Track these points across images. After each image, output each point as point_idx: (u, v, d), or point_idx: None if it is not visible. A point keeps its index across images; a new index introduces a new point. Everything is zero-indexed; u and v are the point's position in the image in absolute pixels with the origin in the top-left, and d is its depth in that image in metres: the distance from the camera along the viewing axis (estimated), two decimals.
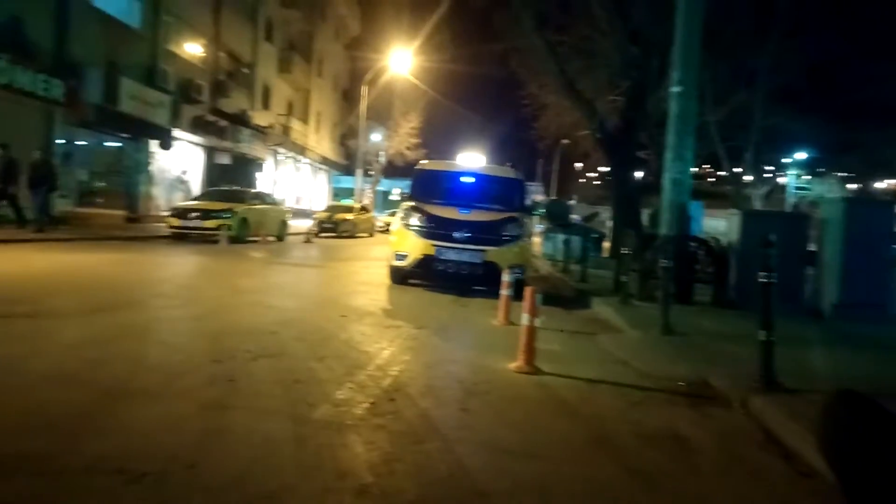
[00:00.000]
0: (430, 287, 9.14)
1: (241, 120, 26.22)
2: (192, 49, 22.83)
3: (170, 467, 2.43)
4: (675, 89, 8.63)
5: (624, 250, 9.03)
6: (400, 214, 9.49)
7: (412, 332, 5.78)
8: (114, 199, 19.26)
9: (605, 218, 23.70)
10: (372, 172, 39.68)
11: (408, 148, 41.18)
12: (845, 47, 23.57)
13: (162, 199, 21.45)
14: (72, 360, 3.85)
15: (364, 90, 32.36)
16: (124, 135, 19.08)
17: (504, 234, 8.79)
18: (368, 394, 3.63)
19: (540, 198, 34.17)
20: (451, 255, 8.61)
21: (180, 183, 23.03)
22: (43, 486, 2.22)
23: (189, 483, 2.33)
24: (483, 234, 8.68)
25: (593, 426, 3.45)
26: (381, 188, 42.59)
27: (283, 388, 3.62)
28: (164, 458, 2.51)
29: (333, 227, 23.61)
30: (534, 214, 10.77)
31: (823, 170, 41.78)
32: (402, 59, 30.80)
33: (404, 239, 8.92)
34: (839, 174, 42.41)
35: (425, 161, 10.95)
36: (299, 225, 22.72)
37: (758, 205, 28.75)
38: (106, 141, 19.12)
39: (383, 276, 9.57)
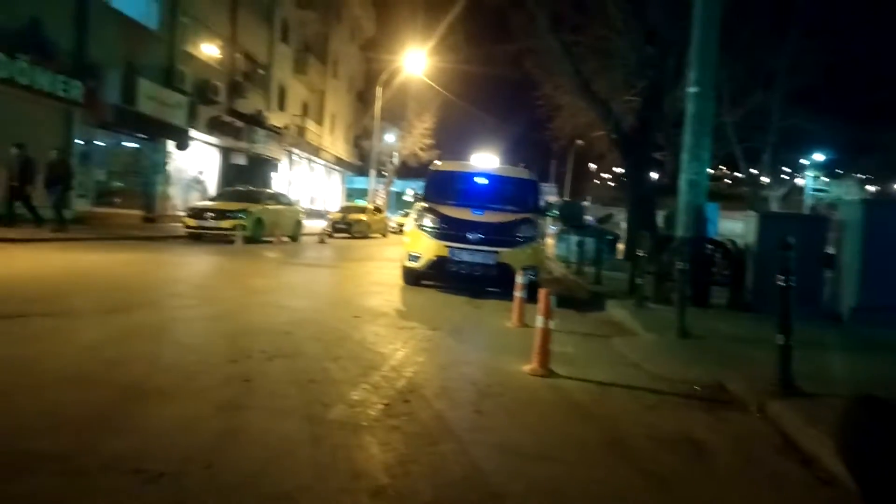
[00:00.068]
0: (443, 288, 9.14)
1: (256, 121, 26.41)
2: (209, 50, 23.05)
3: (186, 467, 2.45)
4: (691, 89, 8.56)
5: (639, 252, 8.97)
6: (413, 215, 9.50)
7: (426, 333, 5.78)
8: (131, 199, 19.50)
9: (620, 219, 23.57)
10: (385, 173, 39.78)
11: (421, 149, 41.26)
12: (864, 47, 23.24)
13: (178, 199, 21.68)
14: (89, 360, 3.90)
15: (378, 91, 32.46)
16: (142, 135, 19.31)
17: (518, 235, 8.77)
18: (383, 395, 3.64)
19: (554, 199, 34.07)
20: (465, 257, 8.60)
21: (196, 183, 23.27)
22: (61, 486, 2.25)
23: (205, 483, 2.35)
24: (496, 235, 8.66)
25: (608, 429, 3.43)
26: (394, 189, 42.70)
27: (298, 389, 3.64)
28: (181, 458, 2.53)
29: (347, 227, 23.72)
30: (547, 216, 10.74)
31: (842, 171, 41.27)
32: (416, 60, 30.86)
33: (418, 240, 8.93)
34: (858, 176, 41.87)
35: (439, 162, 10.97)
36: (313, 225, 22.84)
37: (775, 207, 28.45)
38: (124, 141, 19.36)
39: (396, 277, 9.59)
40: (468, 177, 10.13)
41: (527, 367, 4.48)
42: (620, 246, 18.42)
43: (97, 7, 16.55)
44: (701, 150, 8.52)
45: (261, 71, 27.87)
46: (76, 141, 16.27)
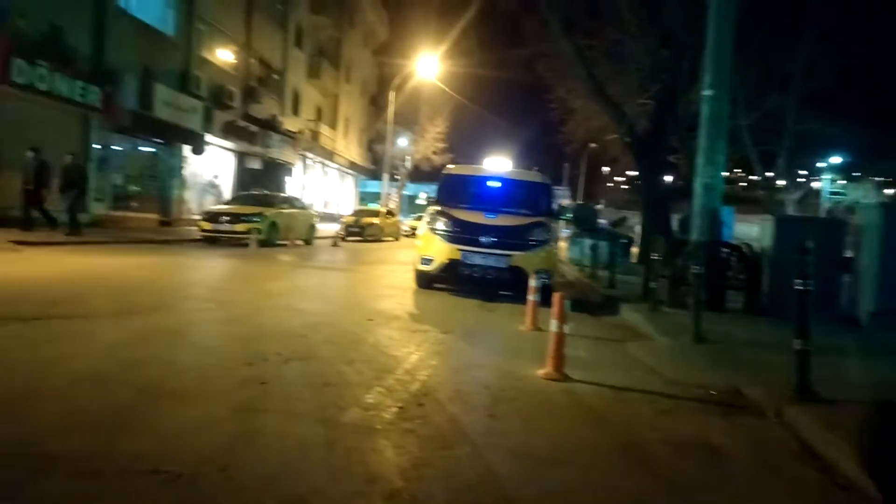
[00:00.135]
0: (455, 291, 9.14)
1: (271, 125, 26.62)
2: (224, 56, 23.29)
3: (203, 469, 2.47)
4: (706, 92, 8.51)
5: (654, 256, 8.92)
6: (426, 219, 9.51)
7: (439, 336, 5.79)
8: (147, 202, 19.71)
9: (634, 223, 23.43)
10: (398, 177, 39.90)
11: (434, 152, 41.37)
12: (881, 50, 22.97)
13: (194, 203, 21.90)
14: (107, 362, 3.95)
15: (391, 95, 32.60)
16: (158, 140, 19.53)
17: (531, 238, 8.75)
18: (397, 398, 3.65)
19: (567, 202, 33.97)
20: (478, 260, 8.60)
21: (212, 187, 23.49)
22: (80, 487, 2.28)
23: (221, 485, 2.37)
24: (509, 238, 8.65)
25: (622, 434, 3.41)
26: (407, 192, 42.81)
27: (313, 392, 3.66)
28: (198, 459, 2.56)
29: (360, 231, 23.81)
30: (561, 219, 10.70)
31: (859, 174, 40.76)
32: (429, 65, 30.95)
33: (430, 243, 8.94)
34: (875, 179, 41.33)
35: (452, 165, 10.97)
36: (327, 229, 22.95)
37: (791, 210, 28.17)
38: (140, 146, 19.59)
39: (409, 280, 9.61)
40: (481, 180, 10.13)
41: (541, 371, 4.47)
42: (634, 249, 18.31)
43: (115, 13, 16.79)
44: (716, 153, 8.47)
45: (275, 76, 28.10)
46: (94, 145, 16.49)
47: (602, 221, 25.14)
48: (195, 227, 16.51)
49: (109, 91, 16.14)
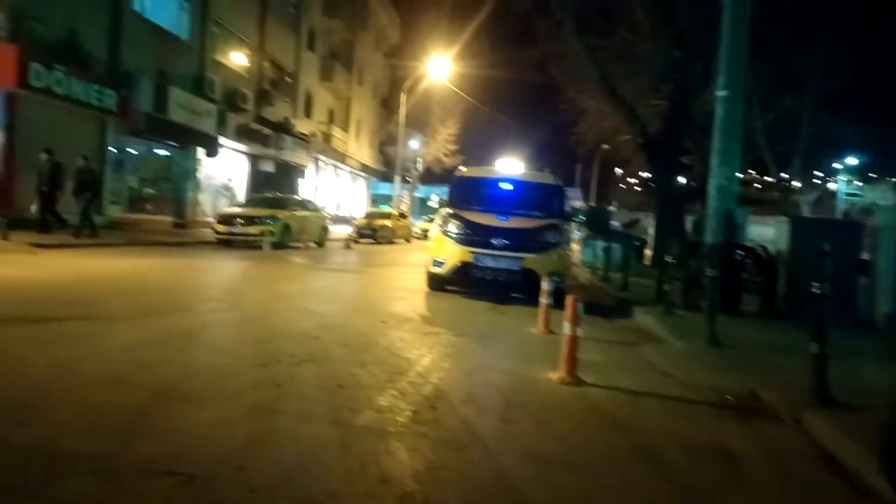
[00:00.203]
0: (467, 294, 9.13)
1: (284, 128, 26.77)
2: (238, 59, 23.47)
3: (218, 470, 2.48)
4: (720, 93, 8.45)
5: (667, 258, 8.85)
6: (438, 221, 9.51)
7: (451, 339, 5.78)
8: (162, 205, 19.90)
9: (647, 225, 23.30)
10: (410, 179, 39.96)
11: (445, 154, 41.39)
12: None
13: (208, 206, 22.09)
14: (123, 363, 3.98)
15: (403, 97, 32.68)
16: (173, 143, 19.71)
17: (543, 241, 8.72)
18: (410, 401, 3.65)
19: (579, 204, 33.85)
20: (489, 262, 8.59)
21: (225, 190, 23.68)
22: (98, 488, 2.29)
23: (236, 486, 2.37)
24: (521, 241, 8.63)
25: (637, 439, 3.38)
26: (418, 194, 42.86)
27: (326, 393, 3.67)
28: (212, 460, 2.57)
29: (372, 233, 23.89)
30: (573, 221, 10.65)
31: (876, 175, 40.25)
32: (440, 66, 30.99)
33: (442, 245, 8.93)
34: (893, 180, 40.77)
35: (463, 168, 10.96)
36: (339, 231, 23.03)
37: (806, 211, 27.90)
38: (155, 149, 19.78)
39: (421, 283, 9.61)
40: (493, 182, 10.11)
41: (554, 375, 4.45)
42: (648, 252, 18.20)
43: (131, 18, 16.98)
44: (731, 154, 8.40)
45: (288, 79, 28.27)
46: (109, 148, 16.68)
47: (615, 223, 25.00)
48: (209, 230, 16.65)
49: (125, 94, 16.32)
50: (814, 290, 3.96)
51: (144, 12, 17.75)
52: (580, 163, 46.95)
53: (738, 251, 8.55)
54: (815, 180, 33.35)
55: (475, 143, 41.68)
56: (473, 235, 8.72)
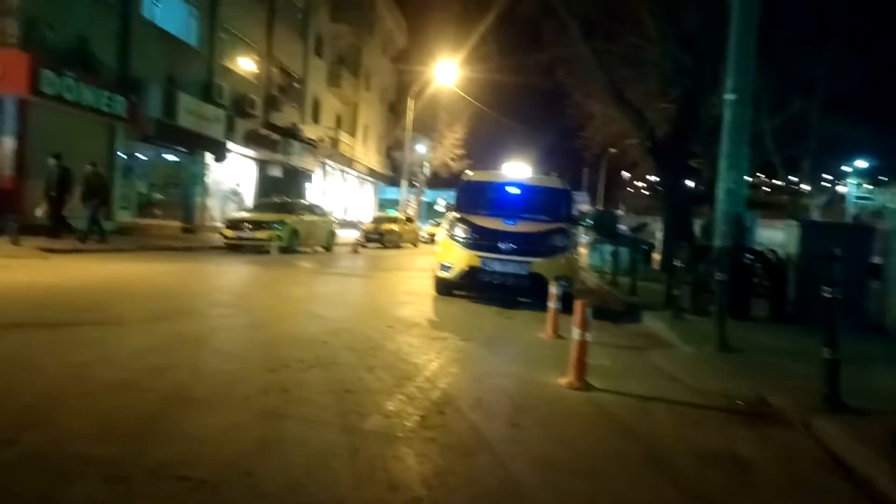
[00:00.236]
0: (474, 298, 9.13)
1: (291, 133, 26.90)
2: (246, 64, 23.62)
3: (227, 475, 2.49)
4: (729, 97, 8.42)
5: (676, 262, 8.82)
6: (445, 225, 9.51)
7: (459, 343, 5.78)
8: (171, 210, 20.03)
9: (655, 229, 23.23)
10: (416, 183, 40.03)
11: (452, 159, 41.41)
12: None
13: (216, 211, 22.21)
14: (135, 368, 4.01)
15: (410, 102, 32.75)
16: (181, 148, 19.84)
17: (550, 245, 8.70)
18: (418, 406, 3.65)
19: (586, 208, 33.78)
20: (497, 267, 8.58)
21: (234, 195, 23.79)
22: (110, 491, 2.31)
23: (246, 491, 2.39)
24: (529, 245, 8.61)
25: (647, 444, 3.37)
26: (425, 199, 42.88)
27: (334, 398, 3.67)
28: (222, 465, 2.58)
29: (379, 237, 23.94)
30: (580, 225, 10.64)
31: (886, 178, 39.92)
32: (447, 71, 31.07)
33: (449, 250, 8.94)
34: None
35: (470, 172, 10.96)
36: (346, 235, 23.09)
37: (816, 215, 27.70)
38: (164, 154, 19.92)
39: (428, 287, 9.61)
40: (500, 186, 10.11)
41: (563, 380, 4.44)
42: (656, 256, 18.15)
43: (140, 25, 17.13)
44: (739, 158, 8.37)
45: (296, 84, 28.41)
46: (119, 154, 16.80)
47: (622, 227, 24.94)
48: (218, 234, 16.73)
49: (134, 100, 16.45)
50: (824, 294, 3.94)
51: (154, 19, 17.91)
52: (587, 167, 46.87)
53: (747, 255, 8.51)
54: (824, 183, 33.18)
55: (482, 148, 41.70)
56: (481, 240, 8.72)
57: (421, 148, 40.23)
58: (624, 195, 55.38)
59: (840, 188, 38.20)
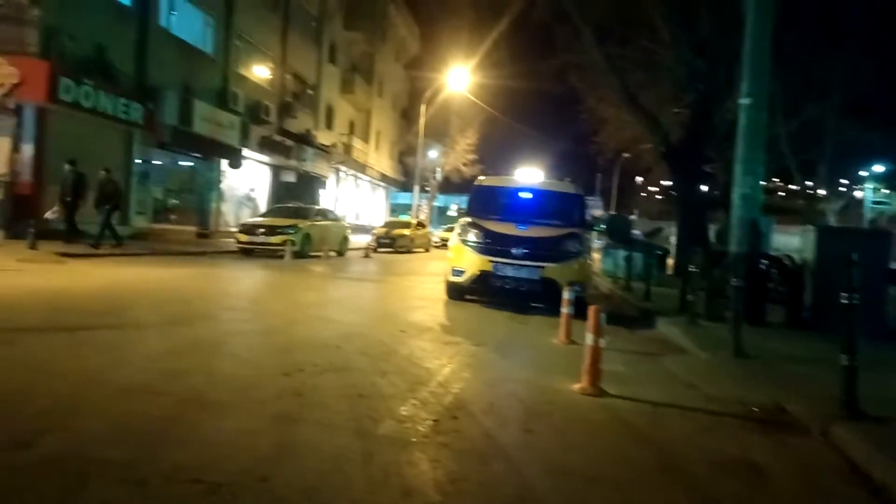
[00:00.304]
0: (487, 303, 9.12)
1: (305, 139, 27.09)
2: (261, 72, 23.84)
3: (243, 479, 2.51)
4: (744, 101, 8.35)
5: (691, 268, 8.75)
6: (457, 230, 9.52)
7: (471, 348, 5.77)
8: (186, 215, 20.24)
9: (669, 234, 23.07)
10: (429, 189, 40.10)
11: (464, 164, 41.47)
12: None
13: (231, 216, 22.42)
14: (150, 372, 4.05)
15: (422, 108, 32.87)
16: (197, 155, 20.05)
17: (563, 250, 8.68)
18: (431, 411, 3.65)
19: (600, 213, 33.65)
20: (509, 272, 8.57)
21: (248, 200, 24.00)
22: (127, 494, 2.34)
23: (261, 496, 2.40)
24: (541, 250, 8.60)
25: (662, 451, 3.34)
26: (437, 204, 42.95)
27: (348, 403, 3.68)
28: (238, 469, 2.60)
29: (391, 242, 23.98)
30: (594, 230, 10.60)
31: None
32: (459, 77, 31.15)
33: (461, 255, 8.94)
34: None
35: (483, 177, 10.97)
36: (359, 240, 23.17)
37: (832, 220, 27.39)
38: (180, 160, 20.14)
39: (440, 292, 9.62)
40: (512, 191, 10.11)
41: (576, 386, 4.42)
42: (670, 261, 18.02)
43: (157, 33, 17.36)
44: (754, 163, 8.30)
45: (309, 91, 28.63)
46: (135, 160, 17.01)
47: (636, 232, 24.80)
48: (232, 239, 16.85)
49: (151, 108, 16.67)
50: (842, 300, 3.89)
51: (170, 28, 18.14)
52: (601, 172, 46.72)
53: (763, 260, 8.43)
54: (840, 188, 32.77)
55: (494, 153, 41.71)
56: (493, 244, 8.71)
57: (433, 153, 40.34)
58: (637, 200, 55.09)
59: (857, 193, 37.74)
